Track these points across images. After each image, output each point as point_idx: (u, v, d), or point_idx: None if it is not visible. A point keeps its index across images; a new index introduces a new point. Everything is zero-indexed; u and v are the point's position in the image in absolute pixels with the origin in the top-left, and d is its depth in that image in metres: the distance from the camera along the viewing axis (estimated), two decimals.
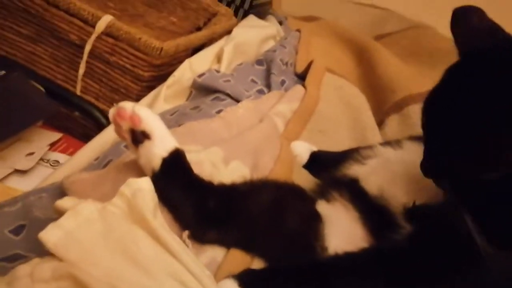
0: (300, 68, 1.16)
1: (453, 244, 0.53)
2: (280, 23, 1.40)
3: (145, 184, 0.57)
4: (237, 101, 0.94)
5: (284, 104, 0.98)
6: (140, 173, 0.62)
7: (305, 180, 0.84)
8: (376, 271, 0.58)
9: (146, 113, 0.61)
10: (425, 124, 0.56)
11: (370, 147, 0.81)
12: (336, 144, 0.95)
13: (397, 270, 0.57)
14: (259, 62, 1.10)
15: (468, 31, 0.56)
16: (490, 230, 0.50)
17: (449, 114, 0.52)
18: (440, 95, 0.54)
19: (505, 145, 0.47)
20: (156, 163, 0.60)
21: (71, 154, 1.02)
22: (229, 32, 1.24)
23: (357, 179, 0.71)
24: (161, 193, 0.59)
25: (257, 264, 0.63)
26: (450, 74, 0.55)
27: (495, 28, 0.55)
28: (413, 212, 0.62)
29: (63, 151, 1.06)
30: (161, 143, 0.61)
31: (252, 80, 1.04)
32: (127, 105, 0.61)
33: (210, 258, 0.60)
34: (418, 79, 1.15)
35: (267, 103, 0.97)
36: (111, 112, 0.62)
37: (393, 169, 0.70)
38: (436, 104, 0.55)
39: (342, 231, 0.66)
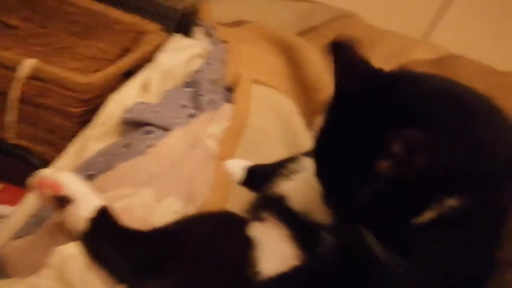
0: (229, 82, 1.18)
1: (362, 261, 0.58)
2: (208, 34, 1.41)
3: (73, 249, 0.60)
4: (167, 130, 0.95)
5: (215, 124, 1.01)
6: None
7: (244, 198, 0.88)
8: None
9: (66, 178, 0.63)
10: (314, 153, 0.60)
11: (297, 159, 0.85)
12: (272, 155, 0.98)
13: (322, 285, 0.62)
14: (187, 84, 1.11)
15: (341, 65, 0.60)
16: (387, 241, 0.55)
17: (329, 141, 0.58)
18: (324, 127, 0.60)
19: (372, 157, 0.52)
20: (83, 224, 0.63)
21: (16, 203, 1.03)
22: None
23: (284, 196, 0.75)
24: (92, 253, 0.62)
25: None
26: (329, 110, 0.59)
27: (365, 60, 0.60)
28: (333, 225, 0.66)
29: (6, 202, 1.06)
30: (85, 205, 0.63)
31: (183, 105, 1.06)
32: (46, 173, 0.63)
33: None
34: None
35: (198, 127, 0.99)
36: (32, 181, 0.63)
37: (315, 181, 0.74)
38: (320, 135, 0.60)
39: (274, 252, 0.70)
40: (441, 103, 0.54)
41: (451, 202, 0.54)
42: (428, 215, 0.55)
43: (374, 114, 0.54)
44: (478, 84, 0.88)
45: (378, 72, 0.59)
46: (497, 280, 0.69)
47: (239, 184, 0.93)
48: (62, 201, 0.63)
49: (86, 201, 0.63)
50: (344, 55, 0.59)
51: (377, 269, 0.55)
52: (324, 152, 0.60)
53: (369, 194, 0.54)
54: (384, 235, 0.55)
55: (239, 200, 0.86)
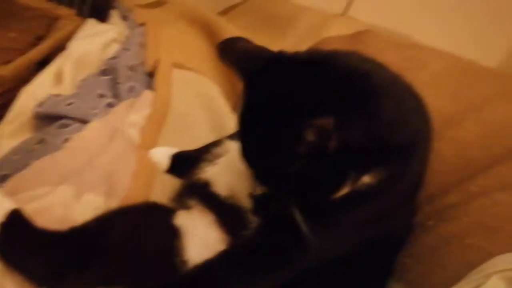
0: (149, 67, 1.15)
1: (286, 231, 0.60)
2: (125, 18, 1.36)
3: None
4: (85, 122, 0.92)
5: (135, 113, 0.98)
6: None
7: (170, 187, 0.87)
8: (229, 271, 0.63)
9: None
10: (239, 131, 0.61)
11: (221, 142, 0.85)
12: (197, 139, 0.97)
13: (247, 265, 0.63)
14: (103, 72, 1.07)
15: (238, 56, 0.62)
16: (309, 214, 0.57)
17: (250, 125, 0.59)
18: (243, 114, 0.60)
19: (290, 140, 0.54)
20: None
21: None
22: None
23: (209, 182, 0.75)
24: (7, 259, 0.59)
25: None
26: (246, 93, 0.59)
27: (259, 48, 0.62)
28: (256, 204, 0.67)
29: None
30: None
31: (100, 95, 1.02)
32: None
33: None
34: None
35: (117, 116, 0.96)
36: None
37: (238, 164, 0.75)
38: (244, 114, 0.60)
39: (200, 239, 0.70)
40: (348, 85, 0.56)
41: (365, 177, 0.58)
42: (344, 190, 0.58)
43: (286, 100, 0.55)
44: (390, 58, 0.91)
45: (282, 55, 0.60)
46: (413, 243, 0.74)
47: (165, 172, 0.92)
48: None
49: None
50: (238, 46, 0.60)
51: (299, 239, 0.57)
52: (247, 135, 0.60)
53: (292, 173, 0.56)
54: (307, 209, 0.58)
55: (164, 189, 0.85)
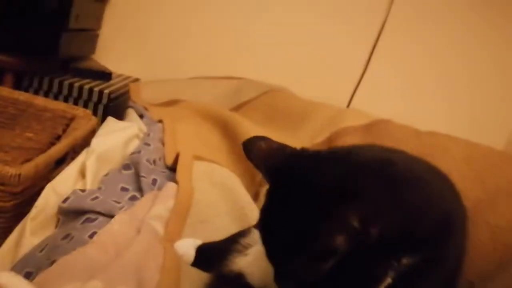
0: (169, 161, 1.17)
1: None
2: (141, 116, 1.41)
3: None
4: (110, 216, 0.91)
5: (159, 205, 0.98)
6: None
7: (197, 280, 0.84)
8: None
9: (7, 278, 0.58)
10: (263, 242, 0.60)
11: (248, 232, 0.83)
12: (220, 230, 0.96)
13: None
14: (125, 166, 1.08)
15: (262, 155, 0.64)
16: None
17: (274, 225, 0.58)
18: (267, 213, 0.61)
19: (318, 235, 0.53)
20: None
21: None
22: (92, 133, 1.22)
23: (242, 273, 0.73)
24: None
25: None
26: (269, 195, 0.61)
27: (282, 146, 0.64)
28: None
29: None
30: None
31: (123, 188, 1.02)
32: None
33: None
34: None
35: (142, 209, 0.96)
36: None
37: None
38: (266, 221, 0.60)
39: None
40: (373, 174, 0.56)
41: (404, 262, 0.56)
42: (386, 281, 0.56)
43: (315, 195, 0.55)
44: (410, 145, 0.94)
45: (305, 152, 0.62)
46: None
47: (191, 265, 0.89)
48: None
49: None
50: (262, 145, 0.62)
51: None
52: (271, 235, 0.60)
53: (325, 270, 0.54)
54: None
55: (193, 283, 0.82)
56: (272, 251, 0.60)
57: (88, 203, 0.93)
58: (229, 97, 1.68)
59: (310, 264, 0.55)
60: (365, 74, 1.95)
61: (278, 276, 0.60)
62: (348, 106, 1.92)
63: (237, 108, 1.63)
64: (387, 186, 0.55)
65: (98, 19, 1.93)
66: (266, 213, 0.60)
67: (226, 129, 1.37)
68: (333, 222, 0.52)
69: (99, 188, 1.01)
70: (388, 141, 0.68)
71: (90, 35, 1.90)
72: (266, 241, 0.60)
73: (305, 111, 1.44)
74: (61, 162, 1.20)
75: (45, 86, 1.68)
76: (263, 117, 1.48)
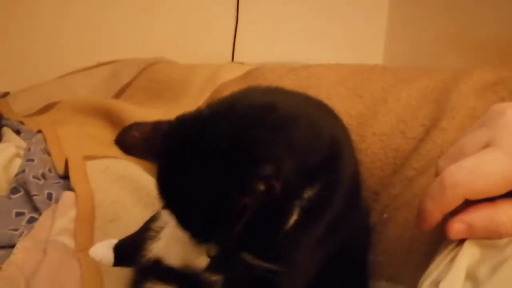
0: (60, 169, 1.10)
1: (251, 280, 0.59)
2: (18, 132, 1.30)
3: None
4: (11, 247, 0.85)
5: (61, 218, 0.93)
6: None
7: (121, 277, 0.81)
8: None
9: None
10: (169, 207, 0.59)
11: (156, 216, 0.82)
12: (132, 223, 0.93)
13: None
14: (13, 190, 1.00)
15: (138, 144, 0.61)
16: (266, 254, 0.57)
17: (181, 204, 0.57)
18: (165, 183, 0.59)
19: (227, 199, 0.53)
20: None
21: None
22: None
23: (159, 258, 0.71)
24: None
25: None
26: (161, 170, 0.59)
27: (156, 124, 0.61)
28: (214, 264, 0.65)
29: None
30: None
31: (17, 213, 0.95)
32: None
33: None
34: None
35: (44, 228, 0.90)
36: None
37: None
38: (168, 189, 0.59)
39: None
40: (261, 127, 0.56)
41: (306, 196, 0.59)
42: (293, 218, 0.58)
43: (207, 162, 0.54)
44: (287, 83, 0.95)
45: (182, 121, 0.60)
46: (379, 241, 0.75)
47: (113, 266, 0.87)
48: None
49: None
50: (134, 135, 0.60)
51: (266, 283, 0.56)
52: (180, 207, 0.58)
53: (240, 226, 0.54)
54: (262, 251, 0.57)
55: (117, 284, 0.80)
56: (186, 222, 0.58)
57: None
58: (108, 84, 1.60)
59: (222, 231, 0.55)
60: (238, 25, 1.95)
61: (200, 241, 0.59)
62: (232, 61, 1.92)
63: (119, 93, 1.57)
64: (278, 135, 0.56)
65: None
66: (165, 189, 0.59)
67: (111, 119, 1.31)
68: (240, 188, 0.52)
69: None
70: (267, 83, 0.68)
71: None
72: (178, 215, 0.59)
73: (184, 77, 1.41)
74: None
75: None
76: (147, 95, 1.43)
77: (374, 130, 0.89)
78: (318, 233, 0.63)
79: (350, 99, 0.95)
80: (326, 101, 0.72)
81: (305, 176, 0.57)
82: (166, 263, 0.70)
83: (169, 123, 0.61)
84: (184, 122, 0.60)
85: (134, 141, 0.61)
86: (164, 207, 0.63)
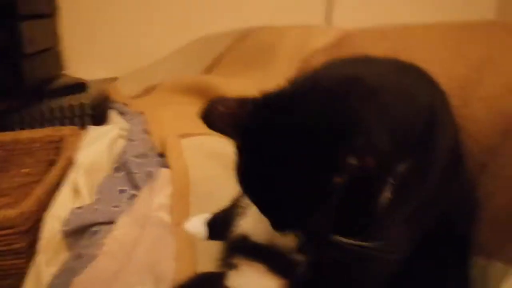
0: (159, 148, 1.15)
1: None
2: (122, 113, 1.38)
3: None
4: (113, 223, 0.90)
5: (158, 195, 0.96)
6: None
7: (213, 251, 0.83)
8: None
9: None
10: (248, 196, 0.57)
11: None
12: (226, 198, 0.94)
13: None
14: (116, 169, 1.07)
15: (223, 120, 0.58)
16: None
17: (265, 184, 0.53)
18: (248, 174, 0.56)
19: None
20: None
21: None
22: None
23: (246, 235, 0.71)
24: None
25: None
26: (244, 154, 0.56)
27: (242, 101, 0.58)
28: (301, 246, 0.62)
29: None
30: None
31: (121, 191, 1.01)
32: None
33: None
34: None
35: (142, 205, 0.95)
36: None
37: None
38: (250, 182, 0.56)
39: None
40: (350, 101, 0.52)
41: (400, 171, 0.53)
42: (387, 195, 0.53)
43: (295, 141, 0.51)
44: (381, 49, 0.88)
45: (265, 100, 0.57)
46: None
47: (206, 240, 0.89)
48: None
49: None
50: (219, 110, 0.58)
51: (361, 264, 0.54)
52: (260, 193, 0.56)
53: (327, 210, 0.51)
54: (352, 232, 0.53)
55: (210, 257, 0.81)
56: (265, 209, 0.56)
57: (88, 218, 0.92)
58: (201, 59, 1.62)
59: (312, 213, 0.52)
60: None
61: (278, 227, 0.57)
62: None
63: (212, 66, 1.58)
64: (367, 107, 0.52)
65: (53, 35, 1.89)
66: (246, 174, 0.56)
67: (207, 94, 1.33)
68: (330, 165, 0.49)
69: (97, 199, 1.00)
70: (359, 51, 0.64)
71: (51, 53, 1.86)
72: (256, 201, 0.57)
73: (276, 42, 1.37)
74: None
75: (27, 118, 1.66)
76: (238, 66, 1.43)
77: (480, 94, 0.80)
78: (412, 209, 0.58)
79: (451, 60, 0.85)
80: (422, 64, 0.65)
81: (399, 149, 0.53)
82: (253, 239, 0.69)
83: (253, 101, 0.58)
84: (268, 101, 0.57)
85: (218, 116, 0.59)
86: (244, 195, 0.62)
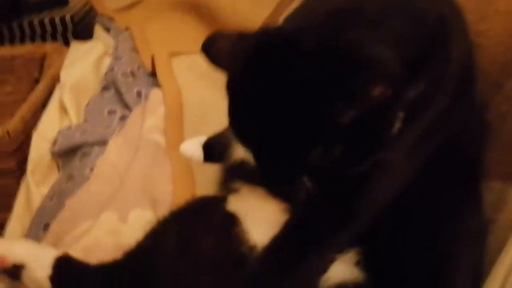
0: (148, 66, 1.09)
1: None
2: (108, 29, 1.30)
3: None
4: (105, 144, 0.87)
5: (150, 116, 0.93)
6: None
7: (211, 174, 0.81)
8: (307, 239, 0.56)
9: (7, 245, 0.56)
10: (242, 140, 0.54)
11: None
12: (222, 122, 0.90)
13: (320, 226, 0.56)
14: (104, 88, 1.02)
15: (224, 53, 0.55)
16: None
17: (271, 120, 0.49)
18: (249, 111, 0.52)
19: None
20: (46, 285, 0.55)
21: None
22: None
23: (245, 161, 0.68)
24: None
25: None
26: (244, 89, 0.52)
27: (243, 36, 0.54)
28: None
29: None
30: (38, 264, 0.56)
31: (110, 112, 0.97)
32: None
33: None
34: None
35: (134, 126, 0.91)
36: None
37: None
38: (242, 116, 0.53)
39: (259, 217, 0.64)
40: (359, 27, 0.48)
41: (412, 93, 0.51)
42: (396, 126, 0.50)
43: (305, 76, 0.46)
44: None
45: (268, 33, 0.53)
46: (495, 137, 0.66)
47: (203, 163, 0.86)
48: (15, 271, 0.55)
49: (37, 260, 0.56)
50: (219, 43, 0.55)
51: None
52: (263, 129, 0.51)
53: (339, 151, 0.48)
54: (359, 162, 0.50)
55: (209, 181, 0.79)
56: (268, 148, 0.52)
57: (78, 139, 0.89)
58: None
59: (323, 149, 0.49)
60: None
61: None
62: None
63: None
64: (374, 31, 0.48)
65: None
66: (247, 111, 0.52)
67: (199, 11, 1.25)
68: (347, 97, 0.45)
69: (85, 120, 0.96)
70: None
71: None
72: (255, 146, 0.53)
73: None
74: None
75: (6, 33, 1.57)
76: None
77: (497, 7, 0.74)
78: (420, 132, 0.55)
79: None
80: None
81: (410, 71, 0.48)
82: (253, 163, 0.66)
83: (255, 36, 0.53)
84: (271, 37, 0.52)
85: (220, 51, 0.57)
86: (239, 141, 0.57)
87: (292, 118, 0.47)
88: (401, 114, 0.51)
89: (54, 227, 0.72)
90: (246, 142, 0.54)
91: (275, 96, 0.48)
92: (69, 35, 1.56)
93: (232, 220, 0.64)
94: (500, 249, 0.55)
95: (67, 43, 1.44)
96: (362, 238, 0.53)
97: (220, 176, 0.74)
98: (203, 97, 0.97)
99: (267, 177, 0.53)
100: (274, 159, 0.52)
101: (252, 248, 0.60)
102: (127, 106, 0.97)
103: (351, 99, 0.45)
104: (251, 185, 0.66)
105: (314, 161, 0.49)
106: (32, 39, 1.56)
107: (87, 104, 0.99)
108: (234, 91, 0.54)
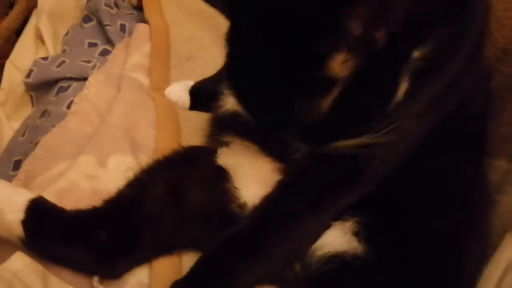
0: (134, 0, 1.01)
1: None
2: None
3: (19, 263, 0.49)
4: (84, 79, 0.80)
5: (134, 53, 0.86)
6: None
7: (197, 123, 0.76)
8: (302, 202, 0.53)
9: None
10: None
11: None
12: (209, 63, 0.85)
13: (317, 189, 0.54)
14: (86, 18, 0.94)
15: None
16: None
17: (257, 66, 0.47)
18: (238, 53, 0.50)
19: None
20: (18, 229, 0.51)
21: None
22: None
23: (238, 112, 0.63)
24: (44, 254, 0.51)
25: (187, 258, 0.58)
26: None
27: None
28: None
29: None
30: (10, 207, 0.51)
31: (90, 44, 0.90)
32: None
33: (136, 285, 0.54)
34: None
35: (117, 62, 0.85)
36: None
37: None
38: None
39: (251, 175, 0.60)
40: None
41: (416, 56, 0.47)
42: (402, 88, 0.48)
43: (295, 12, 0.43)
44: None
45: None
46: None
47: (189, 109, 0.81)
48: None
49: (8, 202, 0.51)
50: None
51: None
52: (249, 77, 0.49)
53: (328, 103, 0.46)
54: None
55: (195, 128, 0.74)
56: (252, 98, 0.50)
57: (55, 71, 0.82)
58: None
59: (309, 101, 0.46)
60: None
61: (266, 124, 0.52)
62: None
63: None
64: None
65: None
66: (237, 54, 0.50)
67: None
68: (330, 35, 0.42)
69: (63, 51, 0.88)
70: None
71: None
72: (241, 89, 0.51)
73: None
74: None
75: None
76: None
77: None
78: (429, 100, 0.52)
79: None
80: None
81: (417, 27, 0.46)
82: (245, 118, 0.62)
83: None
84: None
85: None
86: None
87: (277, 63, 0.45)
88: (407, 74, 0.47)
89: (26, 165, 0.67)
90: (237, 94, 0.51)
91: (263, 43, 0.45)
92: None
93: (223, 175, 0.60)
94: (501, 236, 0.54)
95: None
96: (364, 207, 0.50)
97: (209, 127, 0.69)
98: (192, 35, 0.91)
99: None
100: (262, 111, 0.50)
101: (242, 206, 0.57)
102: (109, 40, 0.90)
103: (329, 33, 0.41)
104: (243, 140, 0.62)
105: (302, 114, 0.47)
106: None
107: (66, 34, 0.91)
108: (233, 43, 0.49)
